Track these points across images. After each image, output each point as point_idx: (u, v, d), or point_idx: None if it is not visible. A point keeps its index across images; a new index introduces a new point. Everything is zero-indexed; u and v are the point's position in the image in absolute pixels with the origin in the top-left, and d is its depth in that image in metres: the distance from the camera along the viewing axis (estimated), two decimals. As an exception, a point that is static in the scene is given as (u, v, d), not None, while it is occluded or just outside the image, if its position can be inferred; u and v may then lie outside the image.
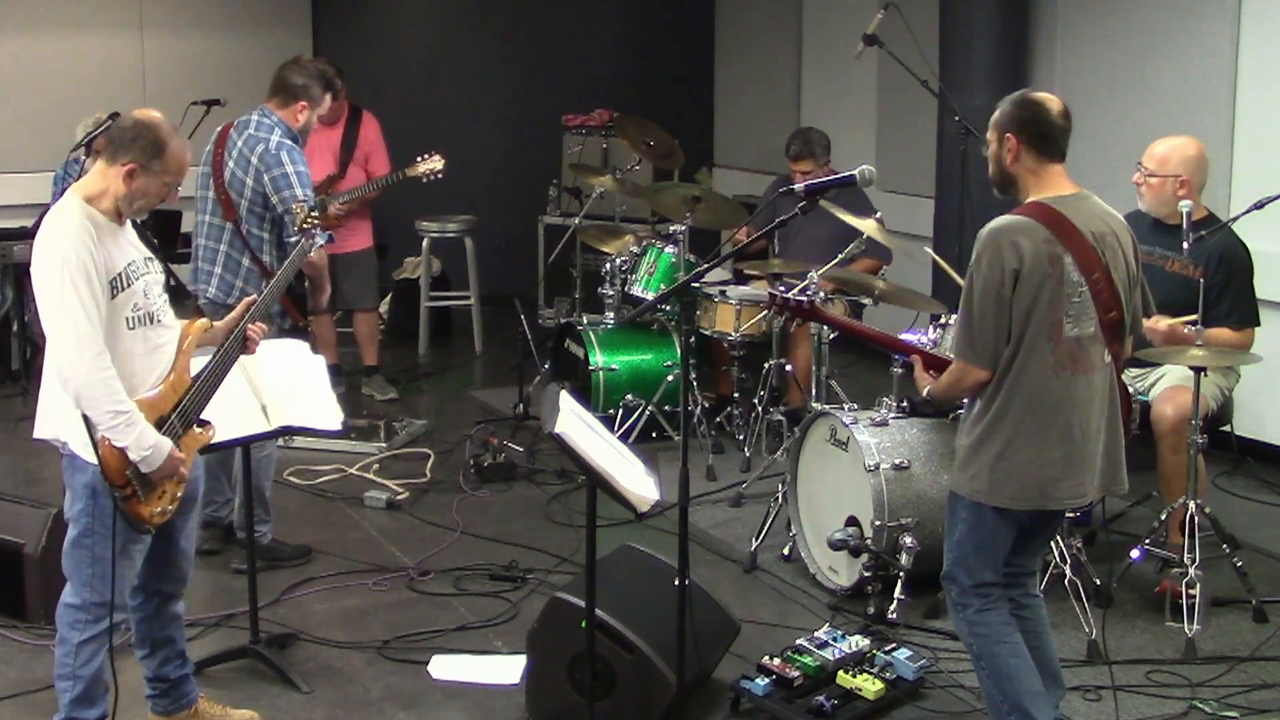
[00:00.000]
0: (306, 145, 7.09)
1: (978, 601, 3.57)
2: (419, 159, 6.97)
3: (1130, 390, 3.75)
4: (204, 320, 3.74)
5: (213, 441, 3.71)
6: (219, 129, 5.23)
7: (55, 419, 3.47)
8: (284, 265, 4.10)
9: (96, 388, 3.32)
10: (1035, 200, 3.48)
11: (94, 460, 3.39)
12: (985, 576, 3.56)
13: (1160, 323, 4.57)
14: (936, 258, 5.74)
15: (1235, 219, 4.93)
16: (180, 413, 3.53)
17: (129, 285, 3.43)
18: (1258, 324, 4.94)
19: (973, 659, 3.67)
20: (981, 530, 3.54)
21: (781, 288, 4.57)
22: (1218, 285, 4.80)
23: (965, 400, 3.69)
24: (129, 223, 3.55)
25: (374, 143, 7.31)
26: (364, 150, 7.26)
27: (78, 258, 3.31)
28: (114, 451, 3.36)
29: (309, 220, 4.23)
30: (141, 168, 3.43)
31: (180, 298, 3.87)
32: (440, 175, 6.96)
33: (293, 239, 4.89)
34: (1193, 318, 4.55)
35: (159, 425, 3.46)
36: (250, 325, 3.76)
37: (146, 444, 3.38)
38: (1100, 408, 3.51)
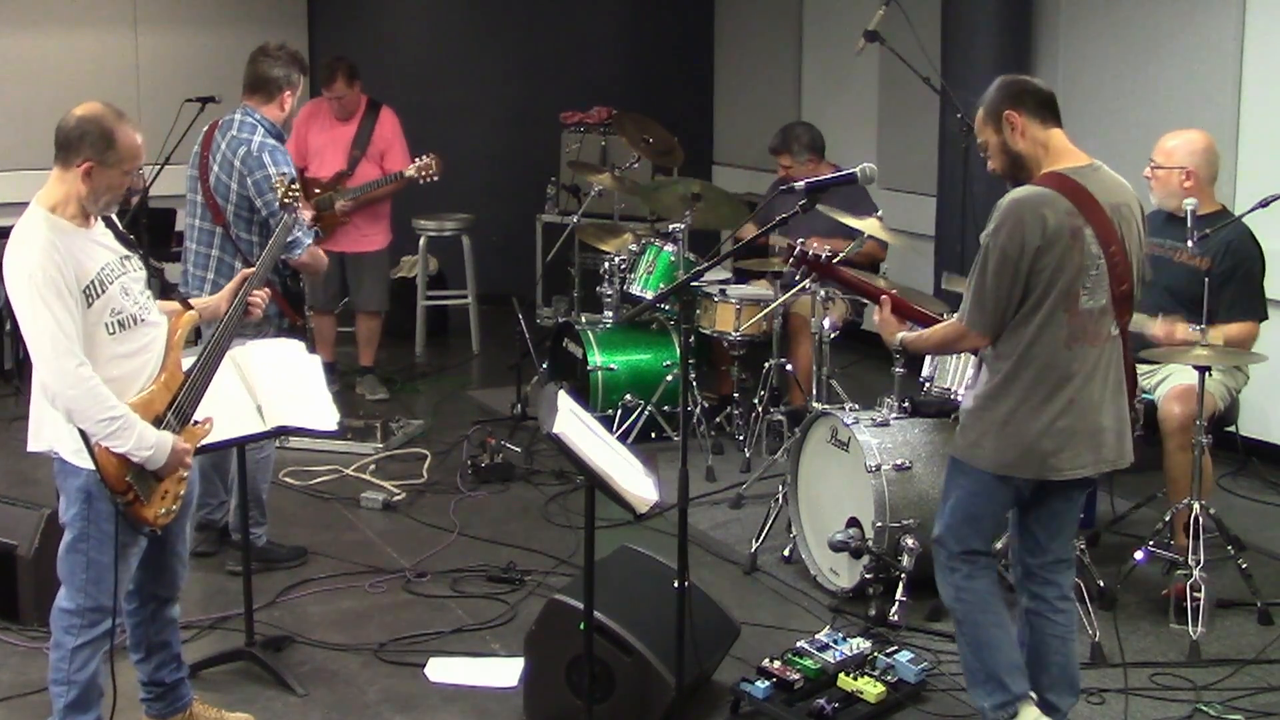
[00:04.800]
0: (320, 143, 7.08)
1: (965, 567, 3.60)
2: (414, 160, 6.92)
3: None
4: (192, 313, 3.66)
5: (209, 442, 3.66)
6: (204, 130, 5.14)
7: (48, 430, 3.43)
8: (271, 240, 4.05)
9: (83, 399, 3.27)
10: (1054, 171, 3.47)
11: (87, 466, 3.34)
12: (974, 544, 3.58)
13: (1171, 327, 4.64)
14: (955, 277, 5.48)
15: (1240, 217, 4.91)
16: (176, 410, 3.49)
17: (104, 290, 3.36)
18: (1263, 318, 4.90)
19: (955, 624, 3.69)
20: (979, 497, 3.55)
21: (800, 247, 4.53)
22: (1221, 275, 4.79)
23: (972, 370, 3.71)
24: (100, 223, 3.48)
25: (390, 139, 7.22)
26: (378, 147, 7.17)
27: (44, 273, 3.25)
28: (111, 458, 3.31)
29: (289, 194, 4.14)
30: (97, 164, 3.35)
31: (167, 296, 3.78)
32: (435, 178, 6.90)
33: None
34: (1197, 327, 4.53)
35: (154, 425, 3.41)
36: (250, 293, 3.72)
37: (148, 444, 3.34)
38: (1103, 380, 3.50)
